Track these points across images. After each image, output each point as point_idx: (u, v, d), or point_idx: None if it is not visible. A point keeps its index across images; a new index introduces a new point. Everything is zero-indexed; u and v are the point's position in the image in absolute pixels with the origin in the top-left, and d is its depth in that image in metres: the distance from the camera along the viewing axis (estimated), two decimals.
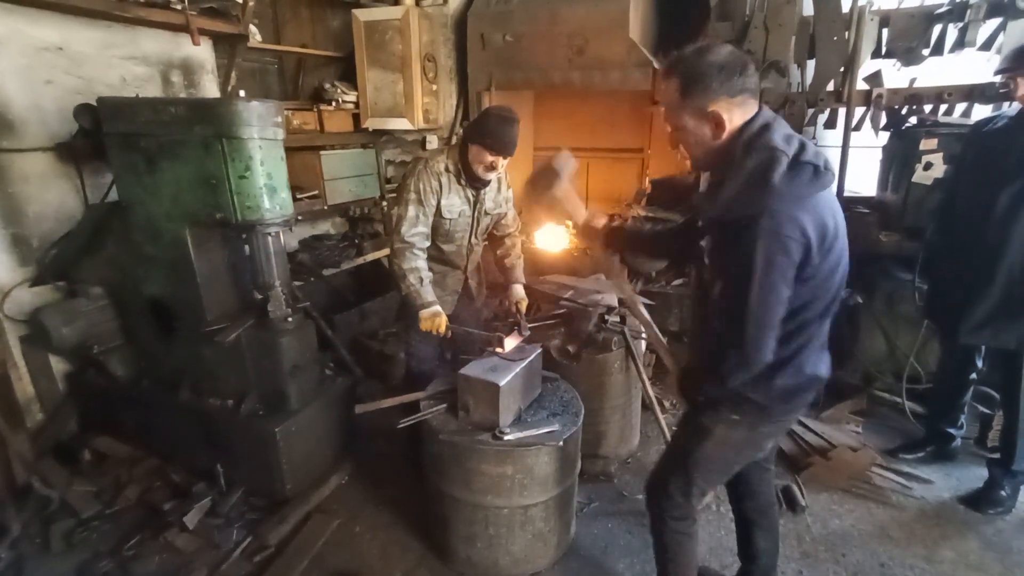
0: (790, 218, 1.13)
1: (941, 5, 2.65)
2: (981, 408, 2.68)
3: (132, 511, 2.23)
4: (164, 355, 2.40)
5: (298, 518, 2.19)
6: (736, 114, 1.21)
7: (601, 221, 1.69)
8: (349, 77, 3.63)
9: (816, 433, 2.66)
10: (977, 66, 2.75)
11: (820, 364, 1.39)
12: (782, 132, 1.21)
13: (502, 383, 1.76)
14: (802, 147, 1.19)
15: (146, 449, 2.48)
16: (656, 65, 3.20)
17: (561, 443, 1.78)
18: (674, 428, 2.63)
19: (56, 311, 2.32)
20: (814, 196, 1.18)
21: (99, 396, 2.55)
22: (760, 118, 1.22)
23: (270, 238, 2.07)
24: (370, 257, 3.78)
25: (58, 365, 2.55)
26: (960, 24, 2.61)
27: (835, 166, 2.85)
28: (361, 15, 3.39)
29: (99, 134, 2.19)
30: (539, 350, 2.02)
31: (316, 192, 3.40)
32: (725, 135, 1.22)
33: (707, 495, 1.61)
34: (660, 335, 1.74)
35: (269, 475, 2.22)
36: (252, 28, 2.95)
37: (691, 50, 1.23)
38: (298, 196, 3.19)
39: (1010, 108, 2.16)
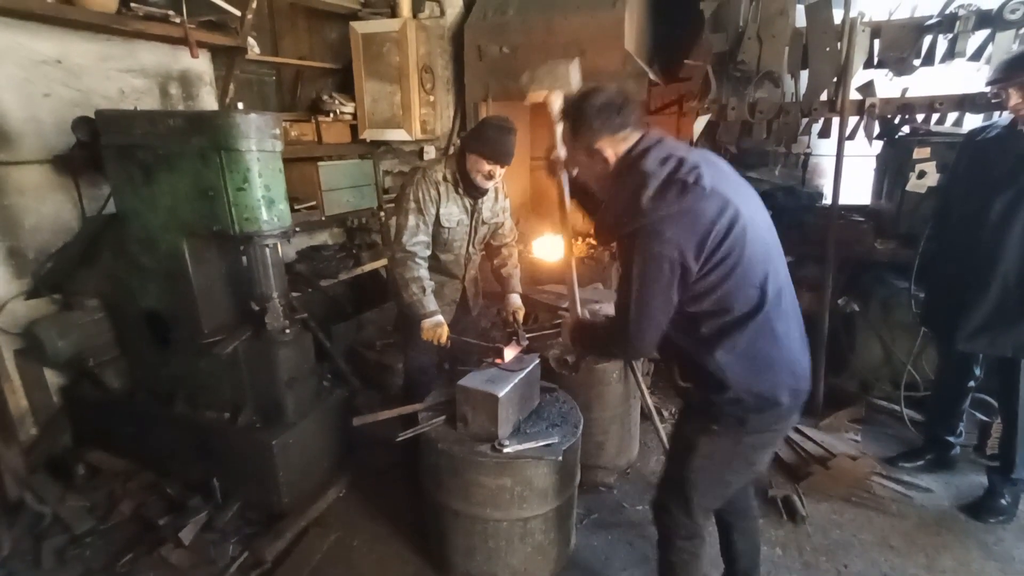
0: (658, 235, 1.24)
1: (930, 17, 2.69)
2: (979, 416, 2.68)
3: (126, 526, 2.20)
4: (160, 367, 2.38)
5: (295, 532, 2.16)
6: (621, 147, 1.35)
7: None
8: (347, 88, 3.66)
9: (815, 442, 2.65)
10: (968, 76, 2.79)
11: (781, 372, 1.36)
12: (659, 155, 1.30)
13: (500, 394, 1.76)
14: (678, 165, 1.29)
15: (141, 462, 2.46)
16: (651, 75, 3.23)
17: (560, 457, 1.77)
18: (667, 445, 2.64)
19: (51, 324, 2.31)
20: (687, 210, 1.25)
21: (94, 409, 2.52)
22: (641, 144, 1.34)
23: (268, 249, 2.07)
24: (368, 267, 3.77)
25: (52, 378, 2.53)
26: (950, 35, 2.65)
27: (830, 175, 2.89)
28: (359, 27, 3.42)
29: (96, 146, 2.19)
30: (537, 360, 2.02)
31: (314, 203, 3.41)
32: (612, 166, 1.37)
33: (710, 513, 1.60)
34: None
35: (266, 488, 2.19)
36: (250, 40, 2.97)
37: (576, 95, 1.41)
38: (296, 207, 3.19)
39: (1002, 117, 2.19)
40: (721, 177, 1.32)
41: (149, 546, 2.07)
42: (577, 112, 1.37)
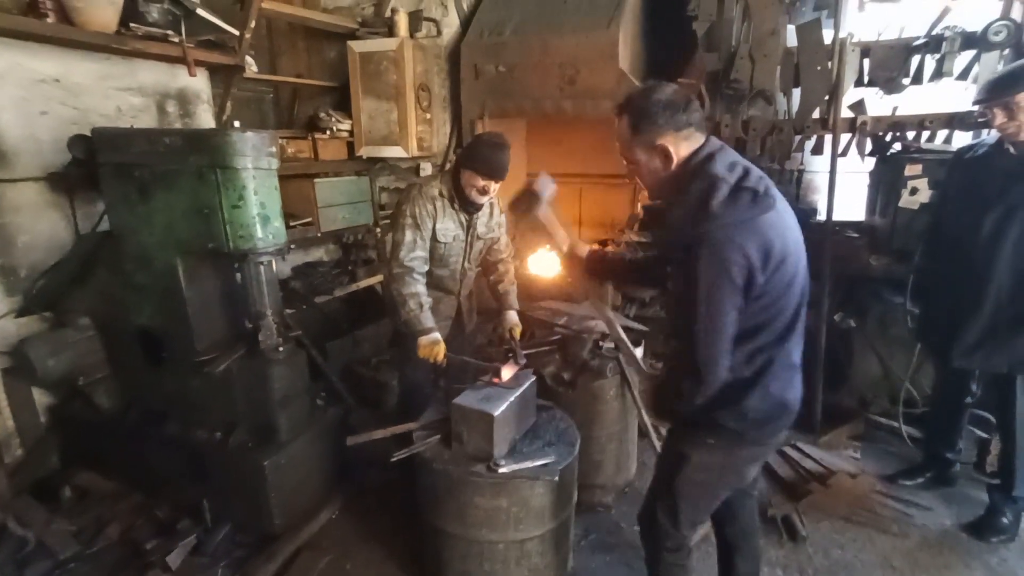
0: (730, 241, 1.20)
1: (918, 37, 2.74)
2: (978, 432, 2.67)
3: (113, 551, 2.14)
4: (152, 386, 2.35)
5: (286, 555, 2.11)
6: (683, 147, 1.31)
7: (584, 249, 1.74)
8: (344, 106, 3.69)
9: (814, 459, 2.63)
10: (956, 94, 2.84)
11: (788, 390, 1.39)
12: (726, 161, 1.29)
13: (496, 413, 1.74)
14: (745, 173, 1.27)
15: (130, 484, 2.41)
16: None
17: (557, 477, 1.74)
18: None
19: (42, 342, 2.28)
20: (755, 219, 1.23)
21: (83, 429, 2.48)
22: (705, 148, 1.31)
23: (262, 267, 2.05)
24: (363, 284, 3.76)
25: (41, 398, 2.49)
26: (937, 55, 2.71)
27: (824, 191, 2.91)
28: (356, 47, 3.46)
29: (93, 164, 2.19)
30: (533, 378, 2.00)
31: (310, 219, 3.41)
32: (674, 166, 1.31)
33: (699, 526, 1.60)
34: (632, 351, 1.78)
35: (257, 510, 2.15)
36: (248, 59, 3.00)
37: (639, 90, 1.35)
38: (292, 223, 3.19)
39: (989, 136, 2.22)
40: (781, 194, 1.33)
41: (136, 571, 2.02)
42: (640, 107, 1.31)
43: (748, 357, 1.31)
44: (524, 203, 1.69)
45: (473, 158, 2.12)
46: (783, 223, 1.29)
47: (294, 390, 2.22)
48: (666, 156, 1.31)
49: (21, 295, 2.40)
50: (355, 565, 2.13)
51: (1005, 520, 2.22)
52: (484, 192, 2.16)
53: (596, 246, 1.81)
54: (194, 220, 1.99)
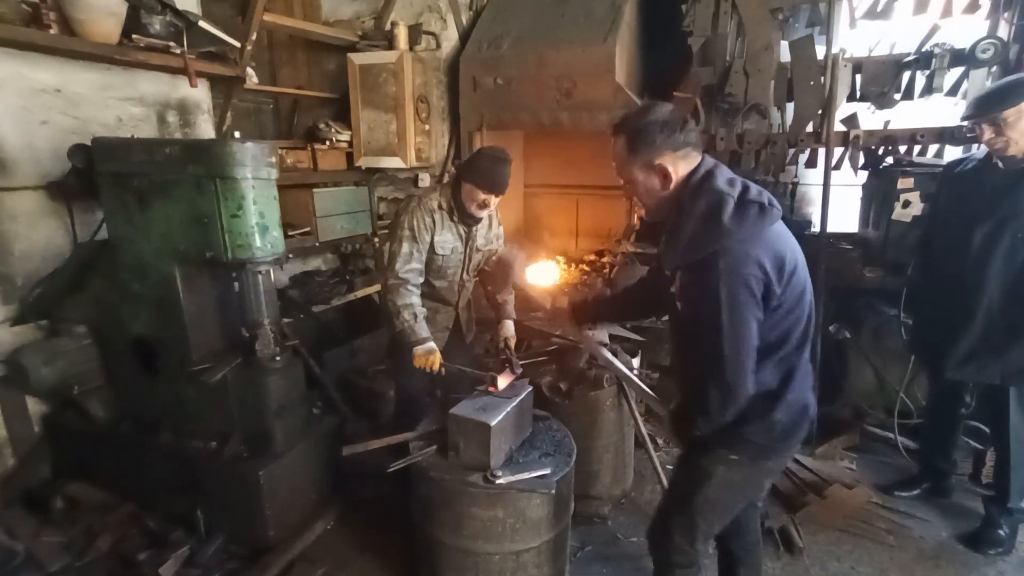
0: (745, 254, 1.21)
1: (908, 54, 2.80)
2: (973, 443, 2.68)
3: (104, 563, 2.11)
4: (147, 395, 2.34)
5: (280, 567, 2.09)
6: (680, 166, 1.32)
7: (564, 300, 1.81)
8: (343, 117, 3.72)
9: (810, 470, 2.63)
10: (946, 109, 2.89)
11: (807, 391, 1.42)
12: (725, 176, 1.30)
13: (493, 423, 1.74)
14: (745, 188, 1.29)
15: (123, 495, 2.38)
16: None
17: (553, 489, 1.74)
18: (671, 470, 2.61)
19: (36, 350, 2.26)
20: (765, 231, 1.25)
21: (76, 439, 2.46)
22: (703, 166, 1.33)
23: (260, 276, 2.06)
24: (361, 293, 3.77)
25: (34, 407, 2.47)
26: (927, 72, 2.76)
27: (818, 203, 2.95)
28: (356, 59, 3.50)
29: (92, 173, 2.20)
30: (530, 388, 2.00)
31: (308, 229, 3.42)
32: (672, 185, 1.32)
33: (711, 539, 1.59)
34: (641, 384, 1.78)
35: (251, 521, 2.13)
36: (249, 70, 3.03)
37: (636, 110, 1.37)
38: (290, 233, 3.20)
39: (979, 150, 2.25)
40: None
41: None
42: (637, 127, 1.32)
43: (774, 368, 1.32)
44: (502, 276, 1.89)
45: (474, 171, 2.13)
46: (787, 233, 1.32)
47: (290, 400, 2.21)
48: (665, 175, 1.31)
49: (17, 303, 2.40)
50: None
51: (1001, 532, 2.22)
52: (484, 206, 2.17)
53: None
54: (192, 229, 2.00)
